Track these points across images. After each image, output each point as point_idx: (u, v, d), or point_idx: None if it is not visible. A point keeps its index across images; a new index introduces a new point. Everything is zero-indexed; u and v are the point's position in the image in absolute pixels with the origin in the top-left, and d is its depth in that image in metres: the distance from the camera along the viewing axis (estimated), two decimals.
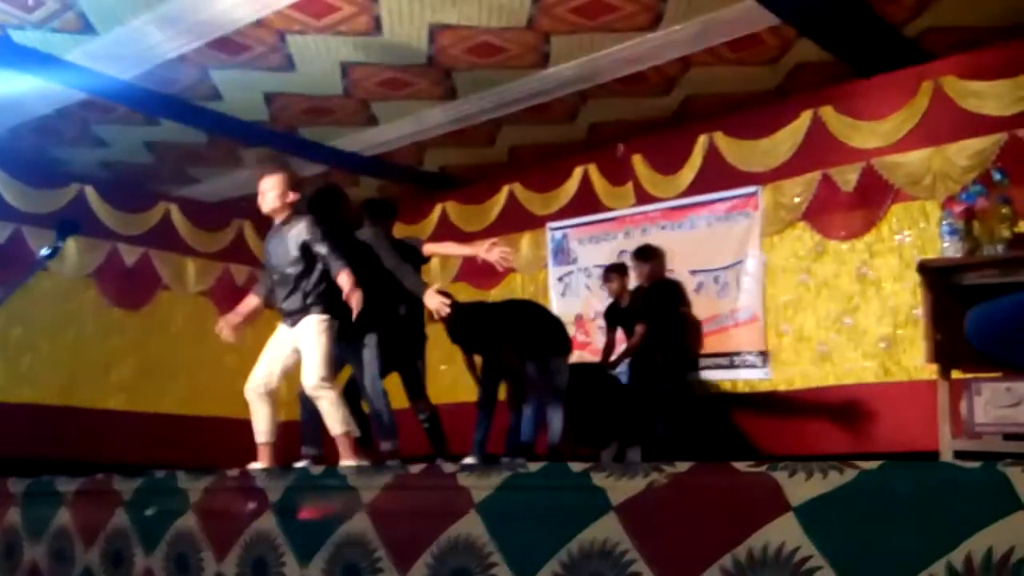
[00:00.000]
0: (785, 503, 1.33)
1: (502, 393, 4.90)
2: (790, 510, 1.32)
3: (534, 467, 1.67)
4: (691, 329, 5.79)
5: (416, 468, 1.98)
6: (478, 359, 4.97)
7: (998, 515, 1.21)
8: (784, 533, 1.31)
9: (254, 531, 1.95)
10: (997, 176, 3.72)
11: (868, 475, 1.32)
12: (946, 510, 1.25)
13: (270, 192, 3.82)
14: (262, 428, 3.82)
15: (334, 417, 3.77)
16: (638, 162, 6.30)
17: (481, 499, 1.59)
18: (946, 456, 3.47)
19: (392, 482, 1.79)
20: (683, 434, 5.21)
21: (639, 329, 5.36)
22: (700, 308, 5.95)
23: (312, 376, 3.71)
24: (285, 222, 3.85)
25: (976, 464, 1.29)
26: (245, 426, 4.12)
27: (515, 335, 4.78)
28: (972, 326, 2.06)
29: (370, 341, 4.13)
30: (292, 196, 3.83)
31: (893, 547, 1.25)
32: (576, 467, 1.58)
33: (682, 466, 1.48)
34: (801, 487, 1.33)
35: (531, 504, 1.56)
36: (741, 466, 1.44)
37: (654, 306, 5.53)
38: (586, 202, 6.58)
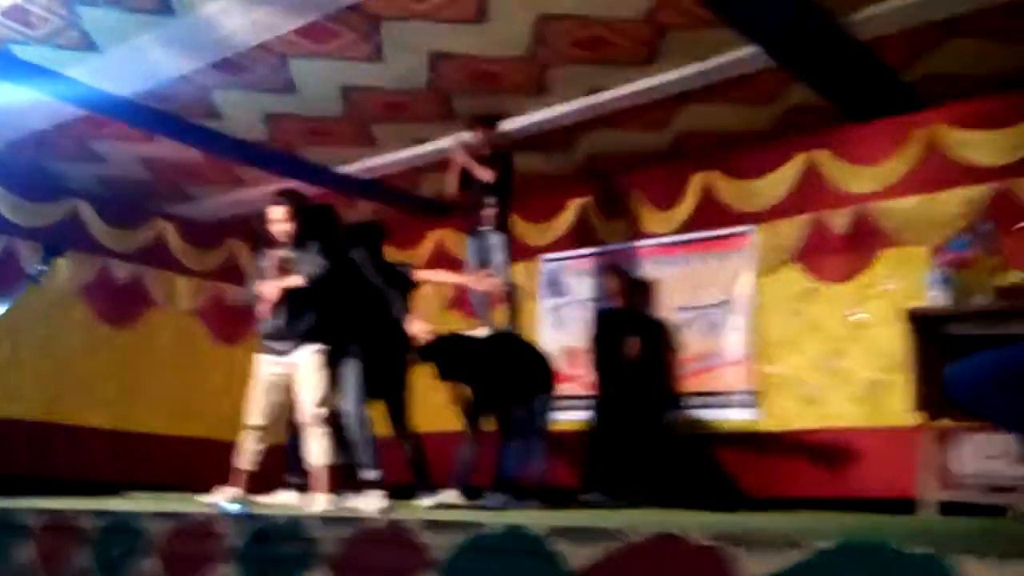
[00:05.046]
0: None
1: (489, 425, 4.87)
2: None
3: (494, 528, 1.65)
4: (670, 368, 5.78)
5: (379, 521, 1.96)
6: (464, 392, 4.93)
7: None
8: None
9: None
10: (985, 227, 3.75)
11: (821, 554, 1.30)
12: None
13: (285, 223, 3.92)
14: (249, 458, 3.88)
15: (321, 448, 3.82)
16: (634, 197, 6.34)
17: (441, 559, 1.57)
18: (927, 506, 3.45)
19: (353, 535, 1.77)
20: (648, 476, 5.17)
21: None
22: (689, 345, 5.95)
23: (313, 407, 3.81)
24: (292, 247, 3.91)
25: (927, 550, 1.27)
26: (227, 448, 4.10)
27: (500, 369, 4.76)
28: (950, 380, 2.07)
29: (354, 367, 4.12)
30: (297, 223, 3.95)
31: None
32: (537, 530, 1.56)
33: (642, 534, 1.47)
34: (755, 563, 1.31)
35: (490, 567, 1.54)
36: (700, 537, 1.42)
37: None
38: (581, 234, 6.60)
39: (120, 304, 7.27)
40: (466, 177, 5.40)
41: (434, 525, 1.69)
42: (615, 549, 1.43)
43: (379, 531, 1.81)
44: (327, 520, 1.95)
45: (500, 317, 5.40)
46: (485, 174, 5.27)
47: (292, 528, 1.92)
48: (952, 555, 1.23)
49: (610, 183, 6.47)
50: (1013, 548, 1.22)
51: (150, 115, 5.59)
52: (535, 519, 1.65)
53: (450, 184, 5.49)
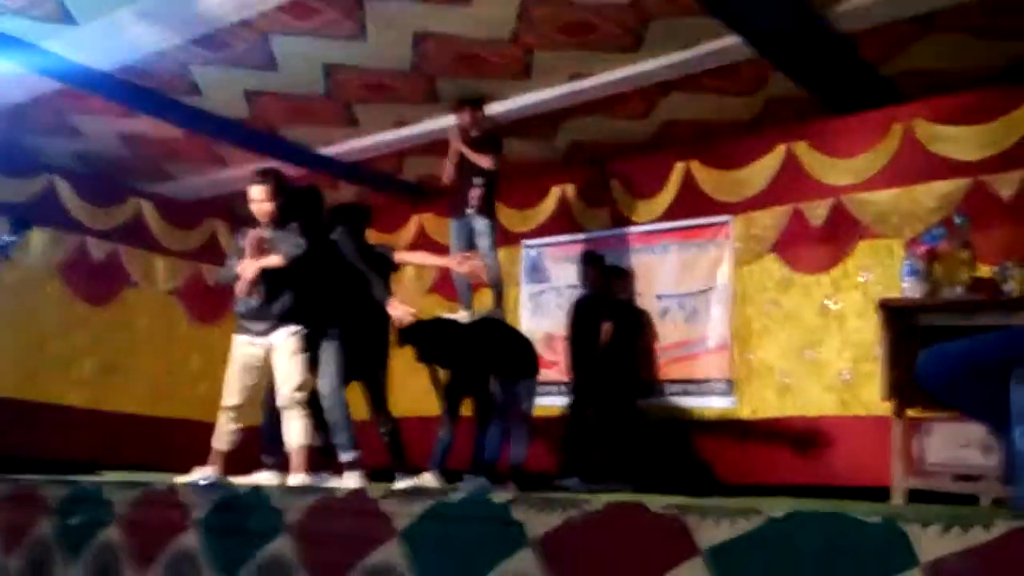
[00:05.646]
0: (695, 547, 1.34)
1: (466, 409, 4.89)
2: (699, 554, 1.34)
3: (456, 496, 1.67)
4: (644, 354, 5.81)
5: (342, 491, 1.97)
6: (443, 375, 4.94)
7: (894, 571, 1.23)
8: None
9: (177, 547, 1.93)
10: (958, 220, 3.80)
11: (774, 524, 1.34)
12: (845, 565, 1.27)
13: (265, 202, 3.87)
14: (225, 439, 3.87)
15: (297, 430, 3.82)
16: (615, 184, 6.36)
17: (403, 527, 1.58)
18: (898, 493, 3.51)
19: (316, 504, 1.78)
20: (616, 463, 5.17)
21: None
22: (668, 333, 5.99)
23: (289, 391, 3.79)
24: (272, 227, 3.88)
25: (878, 518, 1.31)
26: (205, 429, 4.09)
27: (483, 354, 4.77)
28: (921, 369, 2.10)
29: (333, 349, 4.11)
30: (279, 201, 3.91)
31: None
32: (497, 499, 1.59)
33: (598, 503, 1.49)
34: (710, 531, 1.34)
35: (452, 535, 1.56)
36: (656, 506, 1.45)
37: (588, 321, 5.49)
38: (562, 221, 6.61)
39: (97, 282, 7.19)
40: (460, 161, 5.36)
41: (395, 494, 1.71)
42: (573, 517, 1.46)
43: (341, 500, 1.83)
44: (290, 490, 1.96)
45: (483, 301, 5.40)
46: (483, 160, 5.23)
47: (255, 498, 1.93)
48: (899, 521, 1.27)
49: (592, 170, 6.48)
50: (958, 519, 1.26)
51: (128, 90, 5.52)
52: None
53: (448, 172, 5.42)
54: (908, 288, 3.59)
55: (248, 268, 3.82)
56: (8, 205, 6.48)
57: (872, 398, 4.78)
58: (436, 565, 1.55)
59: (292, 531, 1.76)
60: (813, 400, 5.32)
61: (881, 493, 3.82)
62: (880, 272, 5.14)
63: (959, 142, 4.91)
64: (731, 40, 4.64)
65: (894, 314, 3.54)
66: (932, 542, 1.23)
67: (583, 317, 5.56)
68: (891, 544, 1.25)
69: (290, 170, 6.56)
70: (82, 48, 4.99)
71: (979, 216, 4.48)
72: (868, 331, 5.01)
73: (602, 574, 1.42)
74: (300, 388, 3.86)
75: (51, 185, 6.86)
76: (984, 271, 3.86)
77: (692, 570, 1.33)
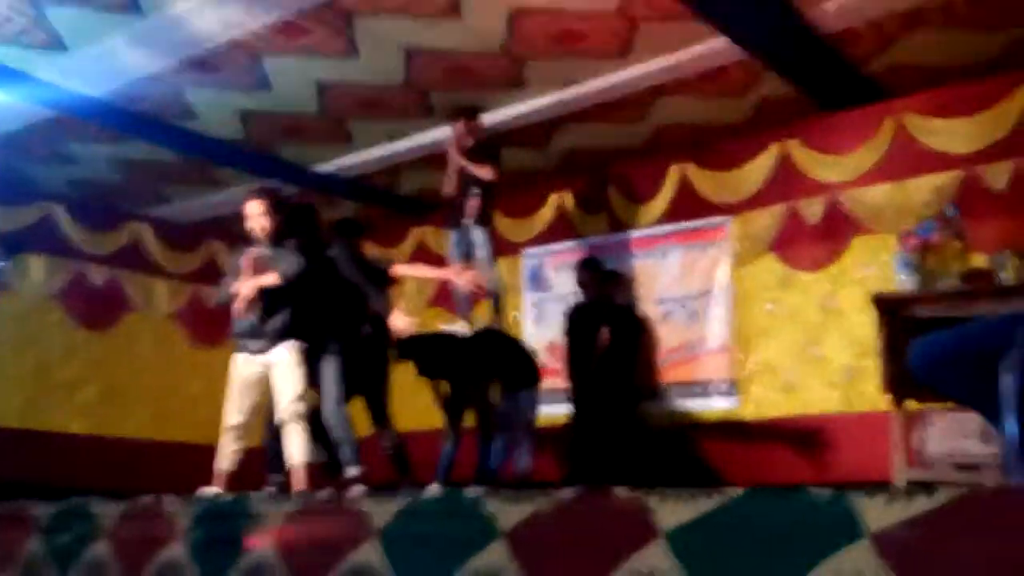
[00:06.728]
0: (657, 529, 1.37)
1: (469, 420, 4.88)
2: (661, 536, 1.36)
3: (431, 493, 1.69)
4: (643, 358, 5.80)
5: (321, 494, 1.99)
6: (444, 388, 4.94)
7: (843, 543, 1.26)
8: (656, 558, 1.36)
9: (163, 558, 1.95)
10: (950, 212, 3.81)
11: (731, 501, 1.37)
12: (798, 538, 1.30)
13: (262, 220, 3.88)
14: (228, 458, 3.88)
15: (299, 446, 3.81)
16: (612, 190, 6.38)
17: (381, 526, 1.61)
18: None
19: (297, 509, 1.80)
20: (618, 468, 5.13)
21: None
22: (669, 337, 5.99)
23: (287, 403, 3.80)
24: (269, 244, 3.90)
25: (827, 492, 1.33)
26: (208, 452, 4.09)
27: (482, 366, 4.77)
28: (913, 357, 2.10)
29: (333, 364, 4.12)
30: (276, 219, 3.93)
31: (751, 575, 1.30)
32: (470, 493, 1.61)
33: (566, 492, 1.52)
34: (671, 513, 1.38)
35: (427, 531, 1.60)
36: (620, 491, 1.48)
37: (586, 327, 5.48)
38: (561, 229, 6.63)
39: (97, 308, 7.20)
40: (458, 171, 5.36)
41: (374, 494, 1.73)
42: (543, 507, 1.48)
43: (322, 503, 1.85)
44: (270, 497, 1.97)
45: (483, 313, 5.40)
46: (483, 171, 5.24)
47: (236, 506, 1.95)
48: (848, 494, 1.29)
49: (589, 177, 6.50)
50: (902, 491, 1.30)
51: (122, 116, 5.55)
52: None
53: (448, 185, 5.39)
54: (903, 281, 3.60)
55: (245, 287, 3.84)
56: (5, 234, 6.51)
57: (875, 393, 4.77)
58: (412, 561, 1.58)
59: (275, 537, 1.79)
60: (816, 397, 5.31)
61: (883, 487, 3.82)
62: (877, 267, 5.14)
63: (950, 135, 4.93)
64: (718, 42, 4.67)
65: (889, 308, 3.55)
66: (878, 513, 1.27)
67: (580, 324, 5.55)
68: (839, 517, 1.28)
69: (287, 188, 6.61)
70: (75, 75, 5.03)
71: (972, 207, 4.50)
72: (869, 327, 4.98)
73: (569, 561, 1.45)
74: (299, 399, 3.84)
75: (48, 212, 6.89)
76: (980, 261, 3.86)
77: (655, 551, 1.37)
